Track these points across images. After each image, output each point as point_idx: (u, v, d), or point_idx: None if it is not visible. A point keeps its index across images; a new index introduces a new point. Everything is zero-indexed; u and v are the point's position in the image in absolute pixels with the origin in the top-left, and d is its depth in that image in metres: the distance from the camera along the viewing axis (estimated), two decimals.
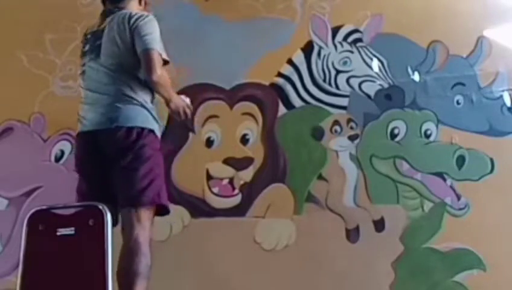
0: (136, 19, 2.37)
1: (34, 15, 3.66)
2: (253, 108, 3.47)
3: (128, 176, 2.25)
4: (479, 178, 3.28)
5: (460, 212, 3.25)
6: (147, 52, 2.30)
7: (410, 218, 3.25)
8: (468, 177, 3.29)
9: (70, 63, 3.58)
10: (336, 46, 3.53)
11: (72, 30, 3.62)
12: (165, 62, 2.38)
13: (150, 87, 2.36)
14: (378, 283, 3.15)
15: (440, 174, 3.31)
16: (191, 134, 3.15)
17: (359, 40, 3.53)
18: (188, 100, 2.49)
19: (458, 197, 3.27)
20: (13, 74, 3.60)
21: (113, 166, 2.27)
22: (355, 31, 3.55)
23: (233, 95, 3.48)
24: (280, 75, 3.50)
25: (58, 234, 1.92)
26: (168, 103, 2.39)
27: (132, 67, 2.35)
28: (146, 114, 2.34)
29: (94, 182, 2.31)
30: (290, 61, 3.51)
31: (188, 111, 2.47)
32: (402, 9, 3.53)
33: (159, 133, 2.40)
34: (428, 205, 3.27)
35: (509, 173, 3.26)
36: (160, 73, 2.30)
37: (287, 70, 3.51)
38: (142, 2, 2.59)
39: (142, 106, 2.34)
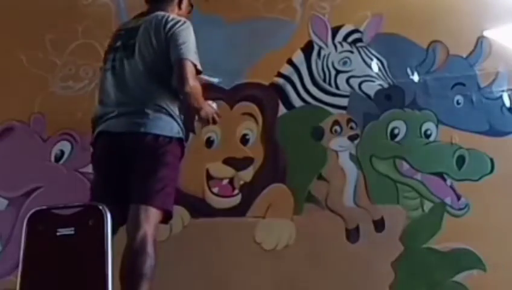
0: (173, 25, 2.37)
1: (34, 15, 3.66)
2: (253, 108, 3.47)
3: (145, 176, 2.25)
4: (479, 178, 3.28)
5: (460, 212, 3.25)
6: (181, 62, 2.30)
7: (410, 218, 3.25)
8: (468, 177, 3.29)
9: (70, 63, 3.59)
10: (335, 46, 3.53)
11: (72, 30, 3.62)
12: (198, 72, 2.38)
13: (180, 96, 2.36)
14: (378, 283, 3.15)
15: (440, 174, 3.31)
16: (191, 134, 3.15)
17: (359, 40, 3.53)
18: (214, 105, 2.50)
19: (458, 197, 3.27)
20: (13, 74, 3.60)
21: (133, 167, 2.27)
22: (355, 31, 3.55)
23: (233, 95, 3.48)
24: (280, 75, 3.50)
25: (58, 234, 1.91)
26: (198, 111, 2.39)
27: (165, 73, 2.35)
28: (173, 123, 2.35)
29: (110, 181, 2.30)
30: (290, 61, 3.51)
31: (217, 117, 2.47)
32: (402, 9, 3.52)
33: (184, 143, 2.41)
34: (428, 205, 3.27)
35: (509, 173, 3.25)
36: (192, 84, 2.30)
37: (287, 70, 3.51)
38: (182, 6, 2.59)
39: (170, 115, 2.34)
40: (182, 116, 2.43)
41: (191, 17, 2.62)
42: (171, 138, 2.33)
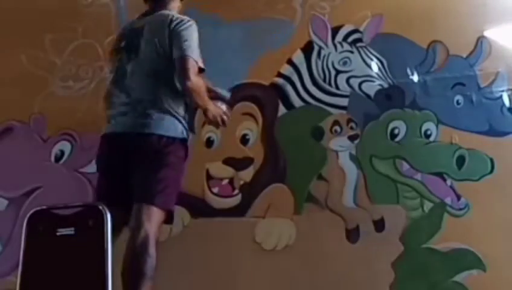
0: (176, 24, 2.38)
1: (34, 15, 3.66)
2: (253, 108, 3.47)
3: (147, 176, 2.27)
4: (479, 178, 3.28)
5: (460, 212, 3.25)
6: (182, 59, 2.32)
7: (410, 218, 3.25)
8: (468, 177, 3.29)
9: (70, 63, 3.58)
10: (335, 46, 3.53)
11: (72, 30, 3.62)
12: (201, 70, 2.39)
13: (184, 95, 2.36)
14: (378, 283, 3.15)
15: (440, 174, 3.31)
16: (191, 134, 3.15)
17: (359, 40, 3.53)
18: (224, 107, 2.51)
19: (458, 197, 3.27)
20: (13, 74, 3.59)
21: (136, 168, 2.27)
22: (355, 31, 3.55)
23: (233, 95, 3.47)
24: (280, 75, 3.50)
25: (58, 234, 1.91)
26: (205, 111, 2.41)
27: (168, 74, 2.36)
28: (177, 124, 2.36)
29: (115, 182, 2.31)
30: (290, 61, 3.51)
31: (226, 118, 2.49)
32: (402, 9, 3.53)
33: (187, 143, 2.42)
34: (428, 205, 3.27)
35: (509, 173, 3.26)
36: (194, 79, 2.30)
37: (287, 70, 3.51)
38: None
39: (174, 115, 2.35)
40: (187, 116, 2.44)
41: (187, 16, 2.62)
42: (174, 138, 2.33)
